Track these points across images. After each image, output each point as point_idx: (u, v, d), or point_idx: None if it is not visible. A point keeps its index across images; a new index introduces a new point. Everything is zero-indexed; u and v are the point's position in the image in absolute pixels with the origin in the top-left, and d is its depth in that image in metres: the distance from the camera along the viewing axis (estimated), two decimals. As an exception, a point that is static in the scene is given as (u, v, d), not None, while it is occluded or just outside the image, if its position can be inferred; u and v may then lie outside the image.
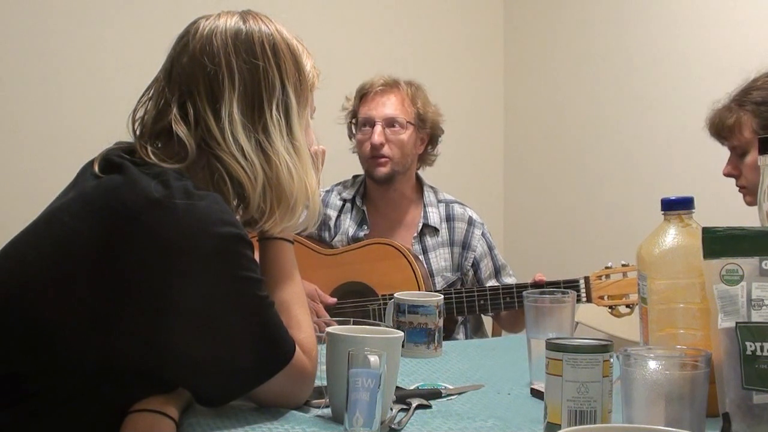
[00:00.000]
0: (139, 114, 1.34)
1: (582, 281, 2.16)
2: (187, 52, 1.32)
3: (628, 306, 2.11)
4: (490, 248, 2.49)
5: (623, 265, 2.14)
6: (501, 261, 2.51)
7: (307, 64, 1.38)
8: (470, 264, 2.45)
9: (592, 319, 2.62)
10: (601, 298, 2.14)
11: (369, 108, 2.43)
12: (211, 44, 1.31)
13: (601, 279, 2.15)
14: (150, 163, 1.26)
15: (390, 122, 2.41)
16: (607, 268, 2.16)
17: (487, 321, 2.58)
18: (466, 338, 2.47)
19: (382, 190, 2.47)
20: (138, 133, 1.33)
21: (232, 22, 1.33)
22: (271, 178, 1.29)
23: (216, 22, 1.33)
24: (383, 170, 2.41)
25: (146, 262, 1.15)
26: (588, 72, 3.44)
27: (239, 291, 1.20)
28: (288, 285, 1.34)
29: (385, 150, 2.39)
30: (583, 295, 2.15)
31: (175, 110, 1.29)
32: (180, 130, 1.28)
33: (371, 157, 2.41)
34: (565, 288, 2.15)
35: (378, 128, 2.39)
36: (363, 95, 2.47)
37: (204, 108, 1.28)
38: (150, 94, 1.35)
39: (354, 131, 2.50)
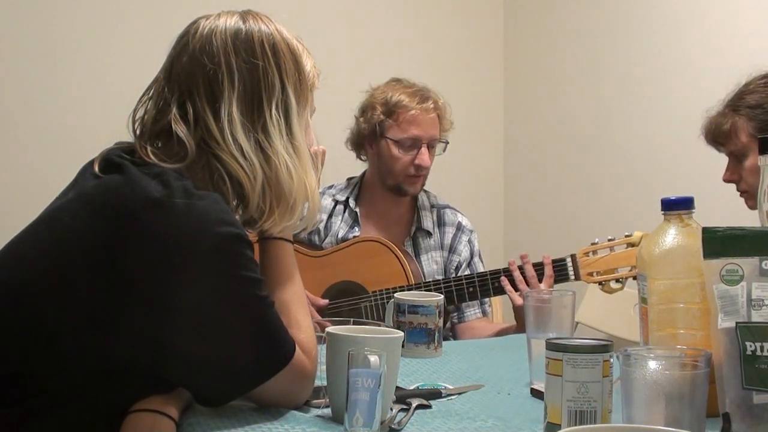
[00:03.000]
0: (139, 114, 1.34)
1: (569, 259, 2.15)
2: (187, 51, 1.32)
3: (618, 281, 2.07)
4: (472, 255, 2.50)
5: (609, 240, 2.11)
6: (478, 269, 2.49)
7: (307, 64, 1.38)
8: (454, 267, 2.47)
9: (592, 319, 2.62)
10: (590, 274, 2.11)
11: (417, 127, 2.39)
12: (210, 44, 1.31)
13: (588, 255, 2.13)
14: (150, 163, 1.26)
15: (432, 143, 2.43)
16: (593, 244, 2.14)
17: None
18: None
19: (389, 196, 2.47)
20: (138, 133, 1.34)
21: (232, 22, 1.33)
22: (270, 177, 1.29)
23: (216, 21, 1.34)
24: (419, 188, 2.45)
25: (146, 262, 1.15)
26: (588, 72, 3.44)
27: (239, 291, 1.20)
28: (288, 285, 1.34)
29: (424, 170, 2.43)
30: (571, 273, 2.14)
31: (174, 110, 1.29)
32: (180, 129, 1.28)
33: (412, 175, 2.41)
34: (553, 267, 2.16)
35: (424, 149, 2.40)
36: (405, 107, 2.40)
37: (203, 107, 1.28)
38: (150, 94, 1.35)
39: (381, 136, 2.42)
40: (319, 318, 2.16)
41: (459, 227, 2.50)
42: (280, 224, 1.33)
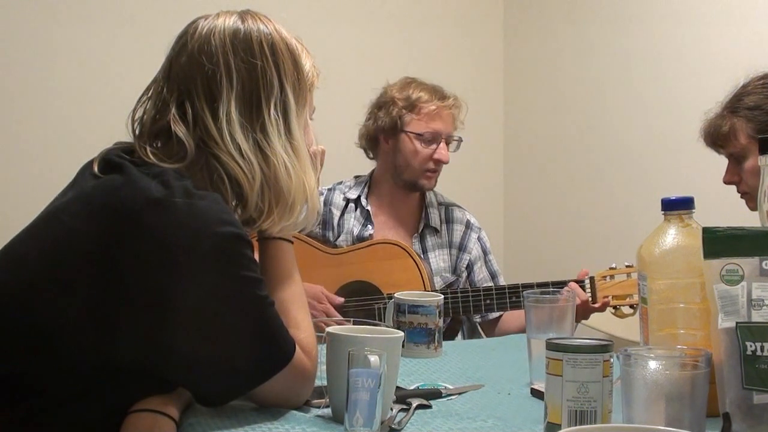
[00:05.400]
0: (138, 114, 1.34)
1: (587, 281, 2.17)
2: (186, 51, 1.32)
3: (631, 306, 2.12)
4: (485, 252, 2.52)
5: (627, 266, 2.14)
6: (495, 267, 2.53)
7: (307, 63, 1.38)
8: (465, 266, 2.48)
9: (593, 319, 2.62)
10: (605, 298, 2.15)
11: (437, 122, 2.44)
12: (209, 44, 1.31)
13: (605, 279, 2.16)
14: (149, 163, 1.26)
15: (450, 139, 2.47)
16: (611, 269, 2.17)
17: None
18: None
19: (400, 193, 2.49)
20: (137, 133, 1.33)
21: (231, 22, 1.33)
22: (269, 177, 1.29)
23: (215, 21, 1.34)
24: (434, 183, 2.47)
25: (146, 262, 1.15)
26: (588, 72, 3.44)
27: (239, 290, 1.19)
28: (287, 285, 1.33)
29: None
30: (589, 296, 2.16)
31: (173, 110, 1.29)
32: (179, 129, 1.28)
33: (430, 170, 2.44)
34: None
35: (443, 145, 2.44)
36: (426, 103, 2.44)
37: (202, 107, 1.28)
38: (149, 94, 1.35)
39: (400, 130, 2.44)
40: (338, 316, 2.16)
41: (468, 225, 2.52)
42: (279, 224, 1.33)
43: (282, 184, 1.30)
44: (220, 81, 1.29)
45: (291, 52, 1.35)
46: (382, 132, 2.48)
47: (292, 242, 1.39)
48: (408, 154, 2.45)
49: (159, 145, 1.31)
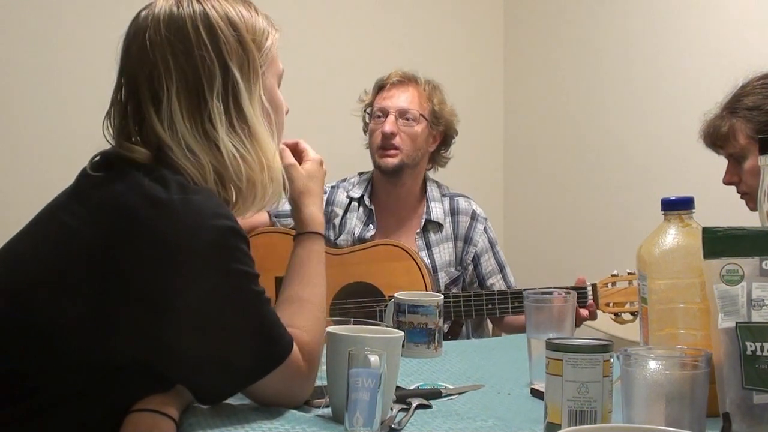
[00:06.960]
0: (113, 121, 1.33)
1: (590, 289, 2.16)
2: (128, 52, 1.29)
3: (632, 314, 2.12)
4: (492, 244, 2.49)
5: (629, 273, 2.15)
6: (502, 259, 2.51)
7: (258, 22, 1.31)
8: (471, 258, 2.45)
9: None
10: (607, 305, 2.16)
11: (384, 98, 2.45)
12: (145, 40, 1.26)
13: (607, 286, 2.16)
14: (142, 162, 1.25)
15: (403, 113, 2.41)
16: (613, 275, 2.17)
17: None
18: (468, 335, 2.47)
19: (389, 184, 2.46)
20: (115, 138, 1.32)
21: (167, 8, 1.28)
22: (225, 167, 1.26)
23: (152, 11, 1.29)
24: (392, 161, 2.40)
25: (146, 259, 1.15)
26: (588, 72, 3.44)
27: (234, 285, 1.19)
28: (297, 282, 1.34)
29: (396, 140, 2.40)
30: (591, 302, 2.16)
31: (130, 115, 1.28)
32: (138, 135, 1.27)
33: (381, 147, 2.41)
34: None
35: (391, 118, 2.40)
36: (380, 87, 2.48)
37: (148, 110, 1.26)
38: (112, 101, 1.33)
39: (368, 121, 2.50)
40: None
41: (473, 216, 2.49)
42: (249, 208, 1.31)
43: (235, 171, 1.27)
44: (160, 80, 1.25)
45: (233, 25, 1.28)
46: (367, 125, 2.52)
47: (322, 234, 1.41)
48: (369, 137, 2.48)
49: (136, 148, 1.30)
